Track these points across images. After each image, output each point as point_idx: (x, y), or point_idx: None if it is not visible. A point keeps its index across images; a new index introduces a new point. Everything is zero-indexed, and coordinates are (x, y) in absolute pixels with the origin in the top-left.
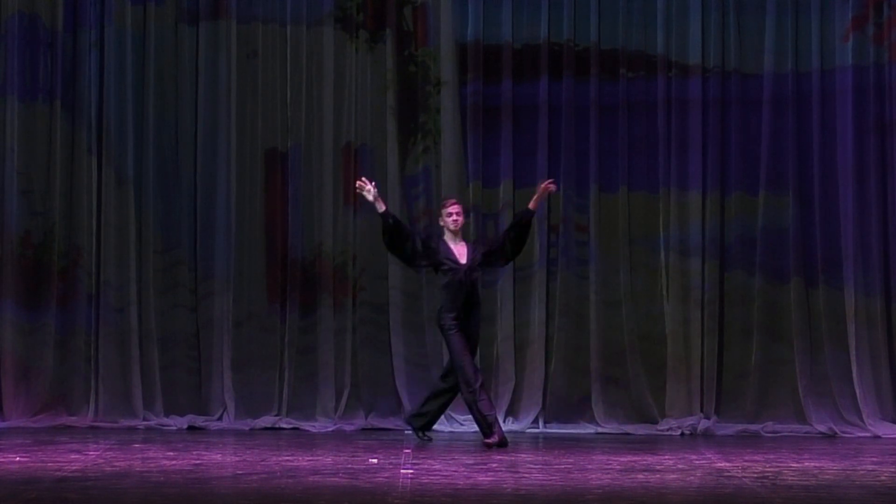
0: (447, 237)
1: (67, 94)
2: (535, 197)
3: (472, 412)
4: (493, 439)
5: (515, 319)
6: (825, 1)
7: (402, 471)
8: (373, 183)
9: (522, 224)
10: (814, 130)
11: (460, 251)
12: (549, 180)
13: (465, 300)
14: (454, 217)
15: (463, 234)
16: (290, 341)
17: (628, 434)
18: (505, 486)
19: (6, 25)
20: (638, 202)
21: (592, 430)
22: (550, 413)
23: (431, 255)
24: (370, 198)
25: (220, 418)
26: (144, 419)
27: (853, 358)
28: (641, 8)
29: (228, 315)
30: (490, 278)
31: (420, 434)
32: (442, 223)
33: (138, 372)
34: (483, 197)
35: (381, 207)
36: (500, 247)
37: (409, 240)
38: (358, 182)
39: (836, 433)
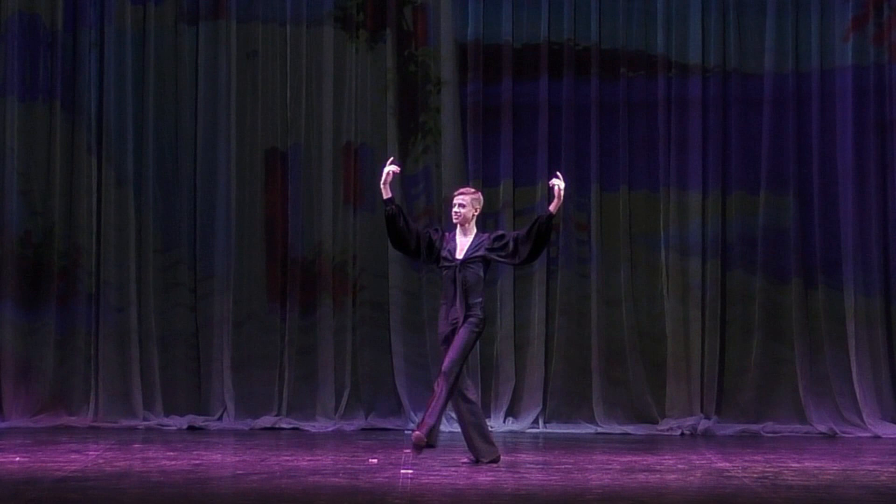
0: (456, 230)
1: (67, 94)
2: (555, 202)
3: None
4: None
5: (515, 319)
6: (825, 1)
7: (402, 471)
8: (394, 168)
9: (542, 231)
10: (814, 130)
11: (463, 245)
12: (555, 174)
13: (461, 294)
14: (452, 209)
15: (477, 224)
16: (290, 341)
17: (628, 434)
18: (505, 486)
19: (6, 25)
20: (638, 201)
21: (592, 430)
22: (550, 413)
23: (434, 252)
24: (383, 179)
25: (220, 418)
26: (144, 419)
27: (853, 358)
28: (641, 8)
29: (228, 315)
30: (489, 278)
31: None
32: None
33: (138, 372)
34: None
35: (387, 194)
36: (514, 247)
37: (413, 236)
38: (391, 159)
39: (836, 433)
